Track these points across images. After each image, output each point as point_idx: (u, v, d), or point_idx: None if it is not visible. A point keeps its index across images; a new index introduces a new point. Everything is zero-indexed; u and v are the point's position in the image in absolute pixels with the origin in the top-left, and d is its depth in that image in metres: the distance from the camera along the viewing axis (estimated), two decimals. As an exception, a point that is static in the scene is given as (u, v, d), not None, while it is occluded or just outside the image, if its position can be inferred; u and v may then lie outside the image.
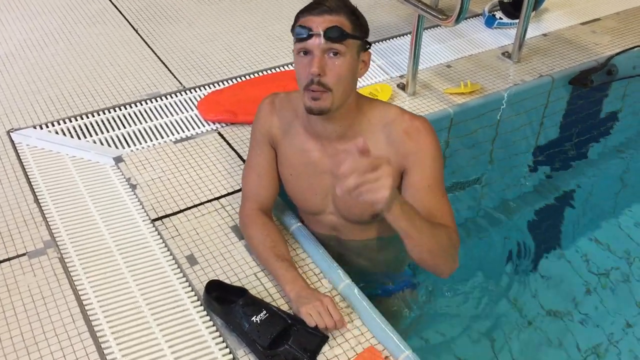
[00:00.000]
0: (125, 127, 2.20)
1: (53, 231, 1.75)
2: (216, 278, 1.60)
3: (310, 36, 1.40)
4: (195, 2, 3.13)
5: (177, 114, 2.29)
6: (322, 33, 1.39)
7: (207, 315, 1.52)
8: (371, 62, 2.68)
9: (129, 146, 2.11)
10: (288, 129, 1.63)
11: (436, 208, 1.50)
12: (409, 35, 2.86)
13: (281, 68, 2.59)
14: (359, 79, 1.53)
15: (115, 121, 2.23)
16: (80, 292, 1.58)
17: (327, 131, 1.54)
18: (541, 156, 2.63)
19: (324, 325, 1.42)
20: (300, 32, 1.41)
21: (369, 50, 1.51)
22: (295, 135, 1.62)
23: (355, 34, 1.44)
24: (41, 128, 2.17)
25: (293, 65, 1.53)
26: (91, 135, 2.15)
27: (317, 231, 1.75)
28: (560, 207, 2.50)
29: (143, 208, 1.85)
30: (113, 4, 3.07)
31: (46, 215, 1.81)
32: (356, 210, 1.63)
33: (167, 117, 2.27)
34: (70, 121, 2.21)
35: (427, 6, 2.18)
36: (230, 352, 1.44)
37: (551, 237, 2.40)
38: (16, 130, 2.16)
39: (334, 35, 1.39)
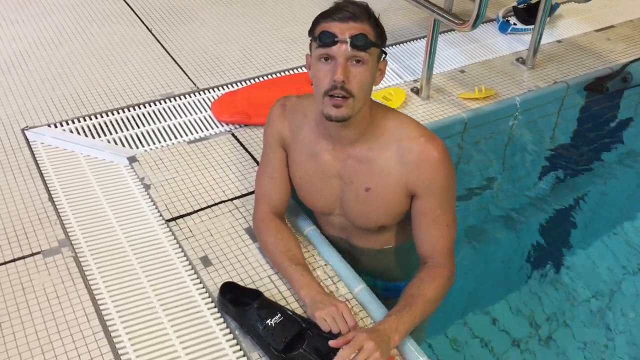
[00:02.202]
0: (139, 127, 2.20)
1: (67, 230, 1.76)
2: (230, 280, 1.60)
3: (335, 42, 1.37)
4: (209, 3, 3.13)
5: (191, 114, 2.29)
6: (348, 40, 1.37)
7: (221, 317, 1.52)
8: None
9: (142, 146, 2.11)
10: (298, 133, 1.63)
11: (440, 238, 1.55)
12: (422, 39, 2.85)
13: (295, 70, 2.59)
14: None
15: (129, 121, 2.23)
16: (94, 292, 1.58)
17: (340, 136, 1.53)
18: (554, 162, 2.62)
19: (339, 330, 1.41)
20: (325, 38, 1.38)
21: (386, 59, 1.51)
22: (306, 138, 1.61)
23: (378, 42, 1.43)
24: (55, 127, 2.18)
25: (307, 68, 1.52)
26: (105, 135, 2.15)
27: (328, 231, 1.75)
28: (572, 213, 2.48)
29: (157, 208, 1.85)
30: (127, 3, 3.08)
31: (61, 214, 1.81)
32: (363, 220, 1.63)
33: (181, 117, 2.27)
34: (85, 120, 2.22)
35: (444, 11, 2.17)
36: (244, 355, 1.44)
37: (563, 243, 2.39)
38: (31, 128, 2.16)
39: (360, 43, 1.37)
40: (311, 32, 1.46)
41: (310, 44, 1.47)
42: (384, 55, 1.49)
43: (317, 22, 1.44)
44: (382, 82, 2.51)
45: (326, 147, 1.58)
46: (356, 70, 1.40)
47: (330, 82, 1.39)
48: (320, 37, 1.39)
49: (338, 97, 1.39)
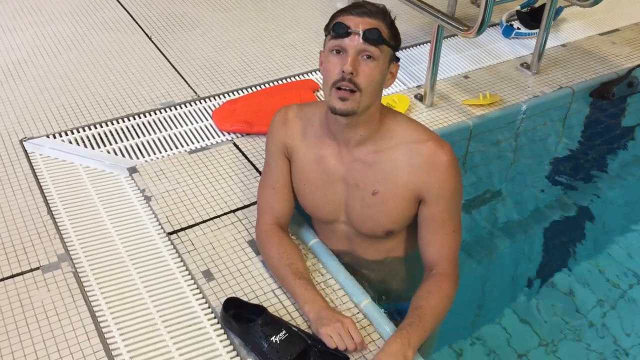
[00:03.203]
0: (139, 137, 2.17)
1: (67, 244, 1.72)
2: (233, 294, 1.57)
3: (348, 34, 1.38)
4: (209, 10, 3.10)
5: (192, 123, 2.26)
6: (361, 33, 1.37)
7: (224, 334, 1.49)
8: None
9: (143, 156, 2.08)
10: (302, 139, 1.61)
11: (445, 244, 1.53)
12: (425, 44, 2.82)
13: (296, 77, 2.56)
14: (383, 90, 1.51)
15: (129, 130, 2.20)
16: (94, 308, 1.54)
17: (346, 136, 1.51)
18: (560, 169, 2.59)
19: (345, 347, 1.39)
20: (339, 29, 1.39)
21: (398, 63, 1.50)
22: (309, 143, 1.59)
23: (391, 42, 1.43)
24: (54, 137, 2.15)
25: (319, 65, 1.51)
26: (105, 145, 2.12)
27: (331, 243, 1.71)
28: (578, 220, 2.46)
29: (158, 221, 1.82)
30: (127, 11, 3.05)
31: (60, 228, 1.77)
32: (369, 225, 1.60)
33: (182, 126, 2.24)
34: (84, 130, 2.18)
35: (447, 17, 2.14)
36: (248, 373, 1.40)
37: (568, 251, 2.36)
38: (29, 139, 2.13)
39: (372, 37, 1.37)
40: (327, 26, 1.46)
41: (324, 41, 1.47)
42: (397, 59, 1.49)
43: (333, 17, 1.46)
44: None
45: (331, 150, 1.56)
46: (366, 65, 1.40)
47: (339, 73, 1.39)
48: (334, 28, 1.41)
49: (345, 89, 1.39)
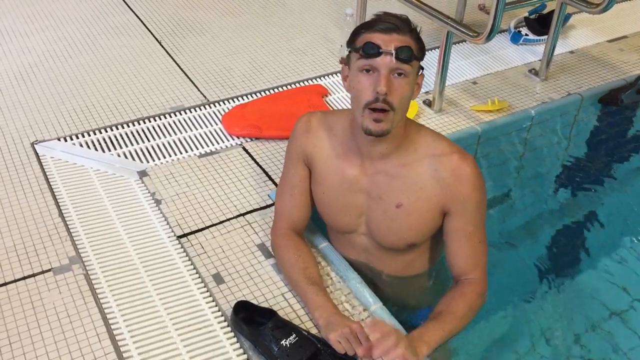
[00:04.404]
0: (149, 141, 2.18)
1: (78, 246, 1.73)
2: (243, 298, 1.58)
3: (379, 54, 1.35)
4: (218, 15, 3.12)
5: (202, 127, 2.27)
6: (393, 52, 1.35)
7: (234, 337, 1.49)
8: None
9: (153, 160, 2.09)
10: (323, 148, 1.59)
11: (472, 255, 1.53)
12: (433, 50, 2.83)
13: (306, 82, 2.57)
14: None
15: (139, 134, 2.21)
16: (105, 310, 1.55)
17: (373, 151, 1.50)
18: (568, 175, 2.59)
19: (354, 352, 1.39)
20: (369, 49, 1.36)
21: (423, 72, 1.48)
22: (331, 153, 1.58)
23: (419, 55, 1.41)
24: (65, 140, 2.16)
25: (342, 80, 1.49)
26: (115, 149, 2.13)
27: (347, 254, 1.71)
28: (586, 226, 2.45)
29: (168, 224, 1.83)
30: (137, 16, 3.07)
31: (71, 230, 1.79)
32: (391, 238, 1.59)
33: (192, 130, 2.25)
34: (95, 133, 2.20)
35: (457, 23, 2.15)
36: (258, 376, 1.41)
37: (576, 257, 2.36)
38: (40, 142, 2.15)
39: (404, 55, 1.35)
40: (351, 43, 1.43)
41: (349, 55, 1.45)
42: (421, 70, 1.47)
43: (358, 33, 1.42)
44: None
45: (354, 161, 1.55)
46: (398, 83, 1.37)
47: (373, 94, 1.37)
48: (364, 49, 1.37)
49: (379, 110, 1.37)
